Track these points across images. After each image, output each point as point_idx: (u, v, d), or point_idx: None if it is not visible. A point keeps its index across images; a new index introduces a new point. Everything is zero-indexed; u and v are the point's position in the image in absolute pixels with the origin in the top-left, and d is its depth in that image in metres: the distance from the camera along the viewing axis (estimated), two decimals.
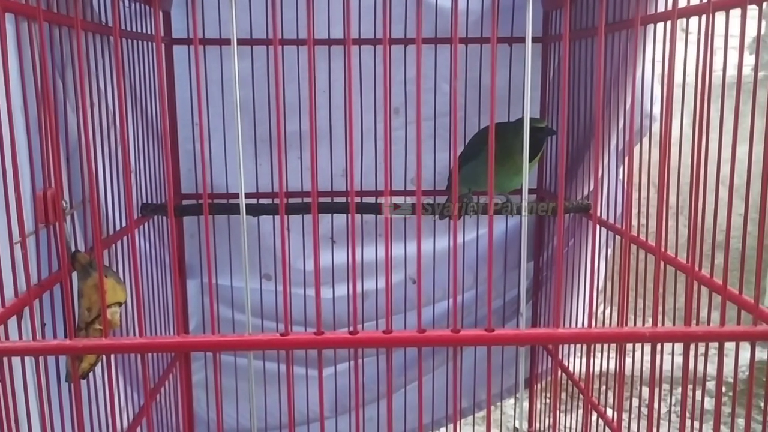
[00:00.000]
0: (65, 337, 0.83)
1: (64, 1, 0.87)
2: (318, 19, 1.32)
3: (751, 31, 0.72)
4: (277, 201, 1.37)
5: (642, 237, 1.06)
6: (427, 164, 1.44)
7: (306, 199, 1.34)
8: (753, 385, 0.72)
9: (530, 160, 1.16)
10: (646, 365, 0.89)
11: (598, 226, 1.11)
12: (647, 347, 0.75)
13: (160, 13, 1.31)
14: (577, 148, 1.32)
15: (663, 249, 0.94)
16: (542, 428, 1.60)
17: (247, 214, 0.69)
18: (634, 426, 1.15)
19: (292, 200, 1.32)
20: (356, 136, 1.40)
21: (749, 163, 0.72)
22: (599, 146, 0.68)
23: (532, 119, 1.17)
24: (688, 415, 0.75)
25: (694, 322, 0.78)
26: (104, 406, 0.98)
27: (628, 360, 0.76)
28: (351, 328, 0.69)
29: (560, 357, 1.42)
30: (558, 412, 0.79)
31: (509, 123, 1.22)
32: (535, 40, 1.41)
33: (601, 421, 1.18)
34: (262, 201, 1.39)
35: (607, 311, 1.53)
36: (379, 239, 1.46)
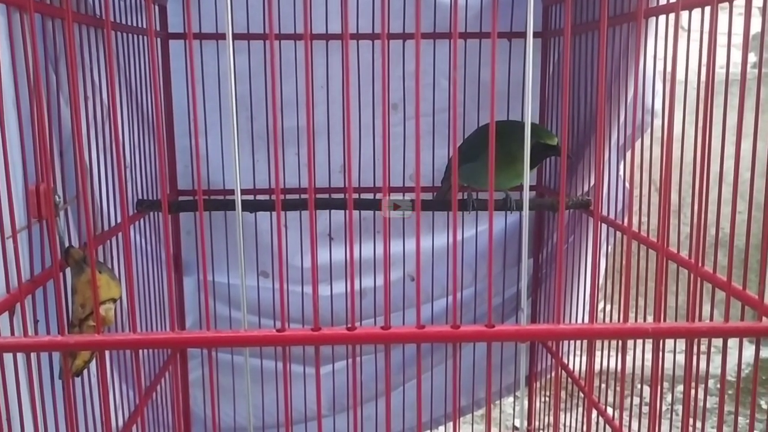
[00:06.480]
0: (58, 333, 0.81)
1: None
2: (315, 14, 1.31)
3: (753, 27, 0.71)
4: (274, 197, 1.36)
5: (642, 234, 1.05)
6: (426, 161, 1.43)
7: (303, 196, 1.33)
8: (757, 382, 0.71)
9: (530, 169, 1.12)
10: (647, 363, 0.88)
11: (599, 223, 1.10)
12: (648, 345, 0.74)
13: (155, 6, 1.30)
14: (578, 144, 1.31)
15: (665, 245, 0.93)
16: (540, 427, 1.59)
17: (243, 210, 0.68)
18: (634, 424, 1.14)
19: (289, 196, 1.31)
20: (354, 132, 1.39)
21: (753, 160, 0.70)
22: (601, 142, 0.67)
23: (543, 132, 1.14)
24: (690, 413, 0.74)
25: (696, 318, 0.76)
26: (99, 404, 0.97)
27: (628, 358, 0.75)
28: (349, 325, 0.68)
29: (560, 355, 1.41)
30: (558, 410, 0.78)
31: (511, 125, 1.12)
32: (534, 35, 1.40)
33: (601, 420, 1.17)
34: (259, 197, 1.38)
35: (607, 308, 1.52)
36: (377, 236, 1.45)
